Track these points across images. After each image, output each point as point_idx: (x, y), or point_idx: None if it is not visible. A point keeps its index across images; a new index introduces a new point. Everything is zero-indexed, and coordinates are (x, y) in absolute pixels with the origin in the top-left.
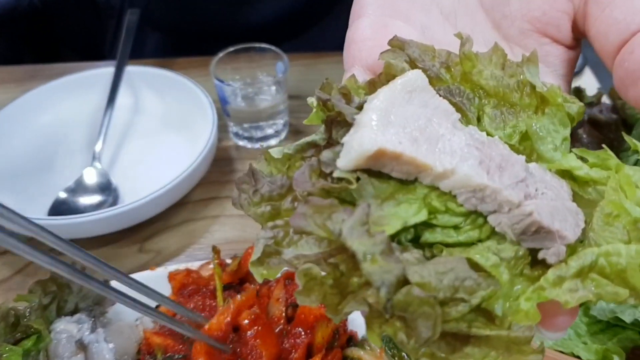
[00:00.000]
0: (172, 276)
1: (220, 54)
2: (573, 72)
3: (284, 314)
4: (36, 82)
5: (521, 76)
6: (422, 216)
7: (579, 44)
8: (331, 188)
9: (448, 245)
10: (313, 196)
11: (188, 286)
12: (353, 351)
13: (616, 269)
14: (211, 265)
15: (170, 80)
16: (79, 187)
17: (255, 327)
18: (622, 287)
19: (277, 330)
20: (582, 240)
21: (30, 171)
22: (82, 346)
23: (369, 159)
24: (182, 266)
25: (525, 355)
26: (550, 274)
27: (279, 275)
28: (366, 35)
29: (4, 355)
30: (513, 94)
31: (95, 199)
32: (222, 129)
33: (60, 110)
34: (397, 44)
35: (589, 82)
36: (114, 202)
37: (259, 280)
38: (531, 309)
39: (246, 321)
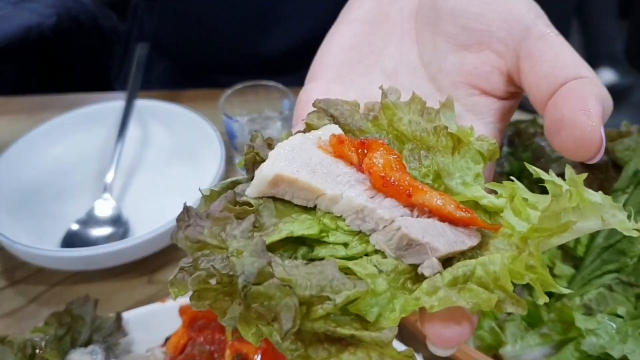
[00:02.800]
0: (183, 310)
1: (229, 91)
2: (506, 119)
3: None
4: (47, 112)
5: (438, 121)
6: (313, 230)
7: (515, 96)
8: (233, 210)
9: (337, 258)
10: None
11: (198, 320)
12: None
13: (492, 276)
14: None
15: (179, 115)
16: (90, 219)
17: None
18: (498, 293)
19: None
20: (472, 258)
21: (42, 203)
22: None
23: (269, 184)
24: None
25: None
26: (425, 284)
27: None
28: (310, 98)
29: None
30: (430, 137)
31: (106, 230)
32: (229, 161)
33: (71, 142)
34: (320, 106)
35: None
36: (124, 234)
37: (173, 298)
38: (398, 315)
39: (255, 356)
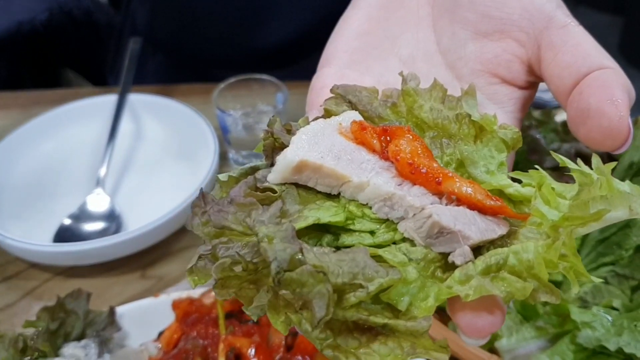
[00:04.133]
0: (175, 304)
1: (222, 85)
2: (525, 109)
3: (283, 343)
4: (39, 107)
5: (460, 109)
6: (339, 217)
7: (534, 85)
8: (256, 196)
9: (364, 246)
10: None
11: (191, 314)
12: None
13: (526, 265)
14: (213, 293)
15: (172, 109)
16: (82, 214)
17: (257, 356)
18: (532, 282)
19: (277, 358)
20: (502, 247)
21: (34, 197)
22: None
23: (293, 170)
24: (184, 293)
25: (428, 350)
26: (457, 273)
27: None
28: (325, 84)
29: None
30: (452, 125)
31: (99, 225)
32: (222, 156)
33: (63, 137)
34: (338, 92)
35: None
36: (117, 229)
37: (192, 286)
38: (433, 303)
39: (249, 350)
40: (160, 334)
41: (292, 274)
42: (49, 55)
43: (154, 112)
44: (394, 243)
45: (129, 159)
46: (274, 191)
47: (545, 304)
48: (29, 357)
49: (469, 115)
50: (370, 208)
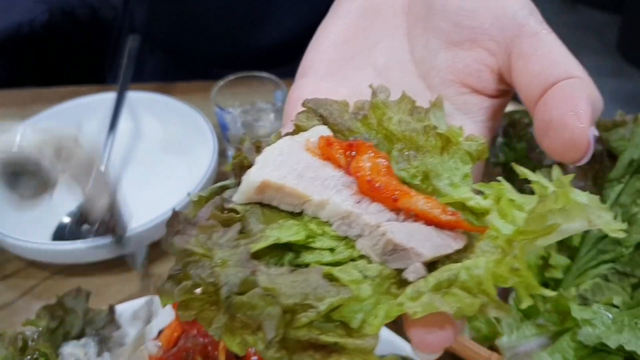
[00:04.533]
0: (176, 302)
1: (221, 82)
2: (498, 117)
3: None
4: (38, 105)
5: (428, 121)
6: (299, 236)
7: (506, 94)
8: (220, 217)
9: (323, 264)
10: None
11: None
12: None
13: (476, 280)
14: None
15: (171, 107)
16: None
17: (257, 354)
18: (481, 297)
19: None
20: (458, 261)
21: None
22: None
23: (256, 190)
24: None
25: None
26: (409, 289)
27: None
28: (301, 96)
29: None
30: (419, 137)
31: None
32: (221, 153)
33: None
34: (309, 106)
35: None
36: None
37: (162, 306)
38: (382, 320)
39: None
40: (160, 332)
41: (242, 297)
42: (48, 55)
43: (153, 109)
44: (353, 260)
45: (127, 157)
46: (237, 212)
47: (546, 301)
48: (29, 357)
49: (436, 127)
50: (331, 226)
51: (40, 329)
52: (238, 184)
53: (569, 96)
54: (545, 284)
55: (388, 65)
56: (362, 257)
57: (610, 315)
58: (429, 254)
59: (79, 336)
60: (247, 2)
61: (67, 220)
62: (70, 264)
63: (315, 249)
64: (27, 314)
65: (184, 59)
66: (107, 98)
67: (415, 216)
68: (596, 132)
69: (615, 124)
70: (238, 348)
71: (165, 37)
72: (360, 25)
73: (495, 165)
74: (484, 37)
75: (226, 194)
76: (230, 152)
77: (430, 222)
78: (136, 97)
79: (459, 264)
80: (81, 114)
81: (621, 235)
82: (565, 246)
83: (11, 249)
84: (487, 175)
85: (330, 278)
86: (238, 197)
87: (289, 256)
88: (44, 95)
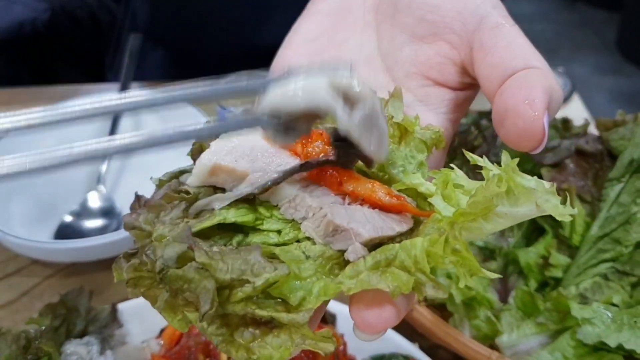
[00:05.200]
0: None
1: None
2: (462, 110)
3: None
4: (40, 104)
5: (386, 111)
6: (247, 218)
7: (471, 87)
8: (173, 197)
9: (269, 245)
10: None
11: None
12: None
13: (413, 259)
14: None
15: (172, 105)
16: (83, 211)
17: None
18: (418, 275)
19: None
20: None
21: (35, 194)
22: None
23: (208, 173)
24: None
25: (314, 341)
26: (348, 268)
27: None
28: None
29: None
30: None
31: (100, 222)
32: None
33: (63, 133)
34: None
35: (577, 110)
36: (118, 226)
37: (115, 280)
38: (318, 296)
39: None
40: (162, 330)
41: (177, 270)
42: (47, 53)
43: (155, 108)
44: (298, 241)
45: (128, 155)
46: (188, 193)
47: (546, 300)
48: (31, 355)
49: (392, 117)
50: (279, 209)
51: (44, 327)
52: None
53: (524, 85)
54: (545, 282)
55: (356, 60)
56: (307, 239)
57: (610, 314)
58: (369, 234)
59: (82, 335)
60: (250, 1)
61: (69, 218)
62: (72, 262)
63: (263, 230)
64: (29, 313)
65: (185, 57)
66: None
67: (361, 200)
68: (548, 121)
69: (615, 124)
70: (179, 325)
71: (167, 35)
72: (331, 22)
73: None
74: (446, 31)
75: (183, 177)
76: None
77: (375, 205)
78: None
79: (397, 245)
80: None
81: (568, 219)
82: (565, 245)
83: (13, 247)
84: None
85: (272, 257)
86: (192, 179)
87: (238, 237)
88: (45, 94)
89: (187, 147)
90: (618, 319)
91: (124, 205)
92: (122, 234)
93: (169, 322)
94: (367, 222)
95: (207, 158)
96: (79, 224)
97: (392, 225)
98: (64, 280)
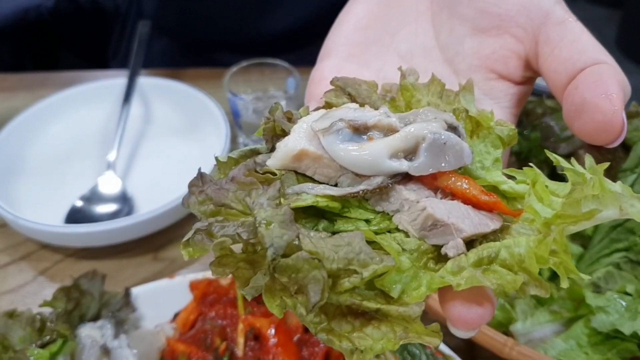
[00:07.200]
0: (194, 285)
1: (234, 68)
2: (521, 104)
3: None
4: (46, 89)
5: (457, 104)
6: (336, 204)
7: (531, 81)
8: (257, 177)
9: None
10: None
11: (209, 295)
12: None
13: (517, 259)
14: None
15: (183, 92)
16: (94, 196)
17: (276, 336)
18: (522, 276)
19: (295, 339)
20: (494, 241)
21: (46, 178)
22: (106, 351)
23: (293, 158)
24: (199, 275)
25: (420, 335)
26: (450, 264)
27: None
28: (324, 76)
29: (32, 358)
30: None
31: (111, 207)
32: (232, 140)
33: (71, 119)
34: (337, 84)
35: None
36: (130, 211)
37: (185, 258)
38: (425, 290)
39: (268, 330)
40: (176, 315)
41: (287, 260)
42: (53, 41)
43: (164, 95)
44: (389, 232)
45: (139, 142)
46: (273, 174)
47: (560, 288)
48: (48, 337)
49: (467, 111)
50: (368, 200)
51: (59, 311)
52: (270, 149)
53: (600, 80)
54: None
55: (412, 51)
56: (398, 230)
57: (624, 303)
58: (470, 230)
59: (95, 318)
60: None
61: (80, 203)
62: (82, 247)
63: (350, 218)
64: (40, 297)
65: (191, 45)
66: (114, 83)
67: (453, 195)
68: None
69: (629, 115)
70: (277, 310)
71: (173, 23)
72: (382, 10)
73: (509, 155)
74: (510, 24)
75: (259, 158)
76: (242, 139)
77: (467, 201)
78: (147, 83)
79: (498, 243)
80: (92, 99)
81: None
82: (578, 235)
83: (24, 231)
84: None
85: (372, 246)
86: (273, 162)
87: (324, 223)
88: (50, 80)
89: (198, 132)
90: (632, 307)
91: (134, 191)
92: (134, 219)
93: (267, 307)
94: (465, 218)
95: (295, 142)
96: (90, 209)
97: (487, 222)
98: (73, 265)
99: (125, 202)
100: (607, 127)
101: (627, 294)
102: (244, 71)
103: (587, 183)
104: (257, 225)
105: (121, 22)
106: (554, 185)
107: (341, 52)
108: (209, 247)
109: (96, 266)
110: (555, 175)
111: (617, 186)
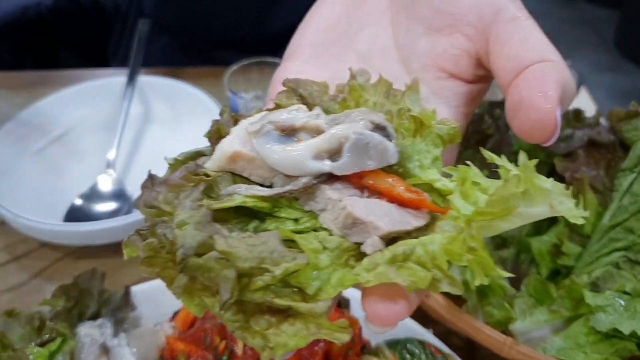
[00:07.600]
0: None
1: (234, 67)
2: (474, 103)
3: None
4: (46, 88)
5: (403, 104)
6: (265, 204)
7: (485, 80)
8: (192, 179)
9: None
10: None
11: None
12: (368, 359)
13: (430, 256)
14: None
15: (182, 91)
16: (93, 194)
17: None
18: (434, 272)
19: None
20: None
21: (44, 177)
22: (105, 350)
23: (228, 160)
24: None
25: (330, 331)
26: (365, 261)
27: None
28: (284, 77)
29: (31, 357)
30: (393, 120)
31: (110, 206)
32: None
33: (71, 117)
34: (289, 85)
35: (584, 103)
36: (129, 210)
37: (125, 257)
38: (335, 287)
39: None
40: (175, 313)
41: (198, 259)
42: (53, 39)
43: (164, 93)
44: (315, 231)
45: (139, 141)
46: (208, 175)
47: (559, 287)
48: (47, 335)
49: (409, 110)
50: (297, 199)
51: (59, 309)
52: (213, 151)
53: (538, 78)
54: (556, 270)
55: (371, 51)
56: (324, 229)
57: (623, 302)
58: (387, 228)
59: (95, 317)
60: None
61: (79, 202)
62: (82, 245)
63: (280, 217)
64: (39, 295)
65: (191, 43)
66: (114, 82)
67: (379, 194)
68: (561, 114)
69: (628, 115)
70: (195, 309)
71: (173, 21)
72: (346, 12)
73: (508, 154)
74: (462, 23)
75: (200, 160)
76: None
77: (393, 199)
78: (147, 81)
79: (415, 240)
80: (91, 97)
81: (581, 222)
82: (577, 234)
83: (23, 229)
84: None
85: (291, 245)
86: (211, 164)
87: (254, 223)
88: (49, 78)
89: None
90: (631, 306)
91: (134, 189)
92: (133, 217)
93: (185, 307)
94: (385, 216)
95: (228, 144)
96: (89, 207)
97: (410, 219)
98: (73, 264)
99: (124, 200)
100: (541, 125)
101: (626, 293)
102: (244, 70)
103: (511, 180)
104: (174, 226)
105: (121, 21)
106: (487, 182)
107: (303, 54)
108: (140, 247)
109: (96, 265)
110: (555, 175)
111: (547, 183)
